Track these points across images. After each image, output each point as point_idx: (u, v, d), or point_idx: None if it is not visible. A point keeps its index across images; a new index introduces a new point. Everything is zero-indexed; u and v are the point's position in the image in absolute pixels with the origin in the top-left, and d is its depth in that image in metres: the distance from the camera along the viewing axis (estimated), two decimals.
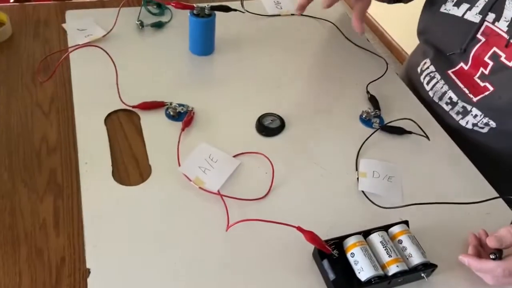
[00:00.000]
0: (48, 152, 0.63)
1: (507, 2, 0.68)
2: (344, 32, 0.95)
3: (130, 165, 0.63)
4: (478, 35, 0.72)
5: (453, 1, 0.75)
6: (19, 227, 0.54)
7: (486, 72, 0.71)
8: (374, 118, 0.74)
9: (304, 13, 0.99)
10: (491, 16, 0.70)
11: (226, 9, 0.85)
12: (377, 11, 2.55)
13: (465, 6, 0.73)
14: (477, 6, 0.72)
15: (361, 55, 0.90)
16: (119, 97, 0.70)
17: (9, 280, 0.50)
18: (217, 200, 0.59)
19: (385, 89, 0.81)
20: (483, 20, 0.70)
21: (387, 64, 0.87)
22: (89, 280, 0.50)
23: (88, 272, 0.50)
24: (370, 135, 0.71)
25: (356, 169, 0.66)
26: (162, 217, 0.57)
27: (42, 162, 0.62)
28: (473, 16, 0.72)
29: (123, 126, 0.68)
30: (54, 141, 0.65)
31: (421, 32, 0.87)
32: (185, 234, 0.56)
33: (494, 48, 0.70)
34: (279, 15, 0.99)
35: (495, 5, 0.69)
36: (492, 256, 0.52)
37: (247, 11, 0.96)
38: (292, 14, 0.99)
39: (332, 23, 0.97)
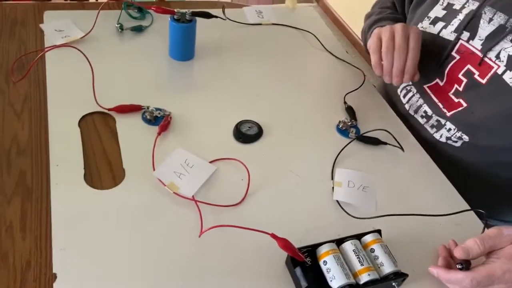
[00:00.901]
0: (18, 153, 0.62)
1: (481, 22, 0.70)
2: (323, 43, 0.96)
3: (103, 169, 0.62)
4: (453, 53, 0.74)
5: (429, 20, 0.77)
6: None
7: (460, 88, 0.73)
8: (351, 128, 0.75)
9: (284, 23, 1.01)
10: (465, 35, 0.72)
11: (207, 15, 0.85)
12: (358, 26, 2.59)
13: (440, 24, 0.75)
14: (452, 25, 0.74)
15: (339, 66, 0.92)
16: (95, 99, 0.69)
17: None
18: (192, 205, 0.59)
19: (362, 100, 0.82)
20: (458, 38, 0.72)
21: (364, 76, 0.89)
22: (55, 285, 0.48)
23: (54, 277, 0.49)
24: (346, 145, 0.72)
25: (332, 178, 0.67)
26: (134, 222, 0.56)
27: (12, 163, 0.60)
28: (448, 34, 0.74)
29: (98, 129, 0.67)
30: (25, 142, 0.63)
31: None
32: (158, 239, 0.55)
33: (468, 66, 0.71)
34: (260, 24, 0.99)
35: (469, 24, 0.71)
36: (459, 266, 0.52)
37: (229, 18, 0.96)
38: (273, 24, 1.00)
39: (312, 34, 0.98)
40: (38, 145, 0.63)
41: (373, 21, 0.85)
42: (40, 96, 0.71)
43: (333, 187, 0.65)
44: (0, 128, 0.64)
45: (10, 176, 0.59)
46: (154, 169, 0.62)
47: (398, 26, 0.72)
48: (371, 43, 0.74)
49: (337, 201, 0.63)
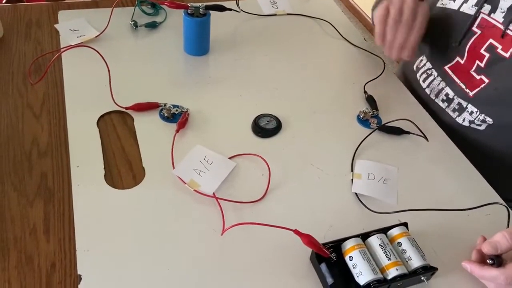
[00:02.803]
0: (39, 155, 0.62)
1: None
2: (340, 32, 0.94)
3: (123, 168, 0.61)
4: (474, 28, 0.71)
5: None
6: (9, 233, 0.53)
7: (482, 64, 0.70)
8: (372, 118, 0.73)
9: (300, 13, 0.99)
10: (486, 8, 0.69)
11: (221, 8, 0.83)
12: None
13: None
14: None
15: (358, 55, 0.89)
16: (112, 98, 0.69)
17: None
18: (213, 203, 0.58)
19: (383, 89, 0.80)
20: (478, 12, 0.70)
21: (384, 63, 0.86)
22: (80, 286, 0.48)
23: (79, 278, 0.49)
24: (368, 136, 0.70)
25: (352, 170, 0.65)
26: (156, 221, 0.56)
27: (33, 166, 0.60)
28: (468, 8, 0.71)
29: (116, 128, 0.67)
30: (45, 144, 0.63)
31: None
32: (180, 238, 0.54)
33: (490, 40, 0.69)
34: (275, 14, 0.98)
35: None
36: (489, 261, 0.51)
37: (243, 10, 0.95)
38: (288, 14, 0.98)
39: (329, 23, 0.96)
40: (58, 146, 0.63)
41: None
42: (58, 97, 0.71)
43: (352, 179, 0.63)
44: (20, 130, 0.65)
45: (32, 179, 0.59)
46: (173, 167, 0.61)
47: (409, 0, 0.69)
48: (378, 13, 0.72)
49: (356, 194, 0.62)
